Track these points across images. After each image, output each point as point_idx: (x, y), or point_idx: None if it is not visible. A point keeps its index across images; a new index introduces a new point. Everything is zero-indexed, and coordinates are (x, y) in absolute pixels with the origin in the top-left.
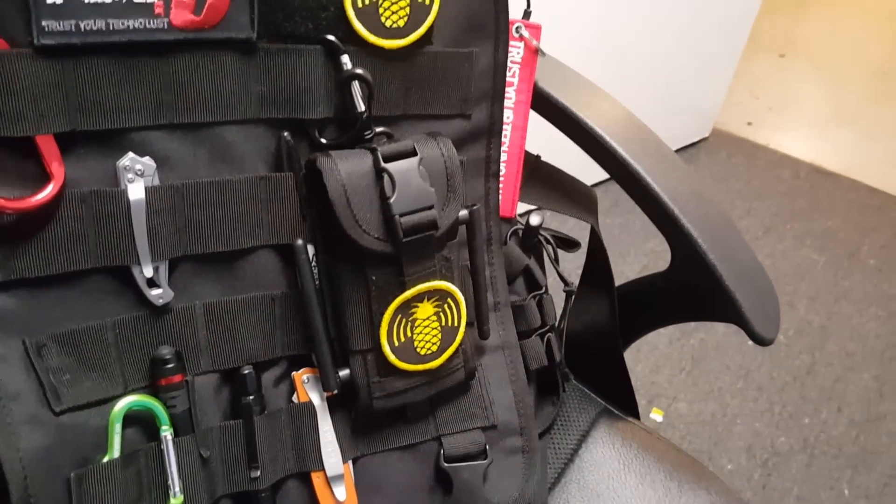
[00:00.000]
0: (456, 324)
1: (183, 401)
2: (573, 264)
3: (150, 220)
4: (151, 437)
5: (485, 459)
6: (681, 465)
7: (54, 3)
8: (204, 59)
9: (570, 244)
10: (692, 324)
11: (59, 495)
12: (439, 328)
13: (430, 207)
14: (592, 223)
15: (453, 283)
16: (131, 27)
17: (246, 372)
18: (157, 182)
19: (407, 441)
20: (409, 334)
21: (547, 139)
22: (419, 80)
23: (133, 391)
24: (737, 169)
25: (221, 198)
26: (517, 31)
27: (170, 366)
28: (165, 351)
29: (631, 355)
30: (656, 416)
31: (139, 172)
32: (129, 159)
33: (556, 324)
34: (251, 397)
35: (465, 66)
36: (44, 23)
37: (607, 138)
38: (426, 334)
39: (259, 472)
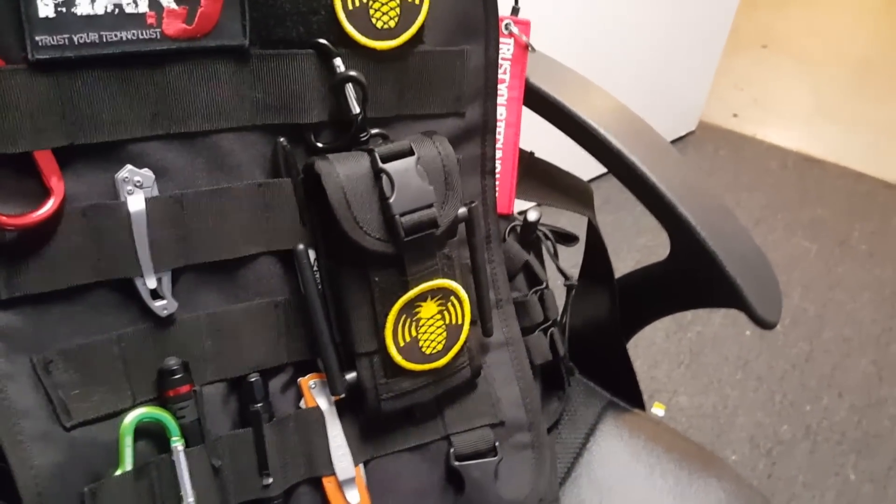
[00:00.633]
0: (460, 321)
1: (192, 411)
2: (568, 262)
3: (152, 231)
4: (162, 449)
5: (495, 456)
6: (689, 453)
7: (47, 17)
8: (198, 67)
9: (568, 239)
10: (689, 317)
11: None
12: (444, 327)
13: (430, 206)
14: (590, 216)
15: (455, 280)
16: (124, 39)
17: (253, 380)
18: (156, 193)
19: (416, 441)
20: (414, 334)
21: (538, 137)
22: (412, 81)
23: (142, 403)
24: (724, 161)
25: (221, 206)
26: (506, 28)
27: (177, 376)
28: (172, 362)
29: (629, 351)
30: (658, 410)
31: (138, 184)
32: (127, 171)
33: (559, 318)
34: (259, 405)
35: (457, 65)
36: (37, 38)
37: (602, 131)
38: (431, 333)
39: (271, 480)
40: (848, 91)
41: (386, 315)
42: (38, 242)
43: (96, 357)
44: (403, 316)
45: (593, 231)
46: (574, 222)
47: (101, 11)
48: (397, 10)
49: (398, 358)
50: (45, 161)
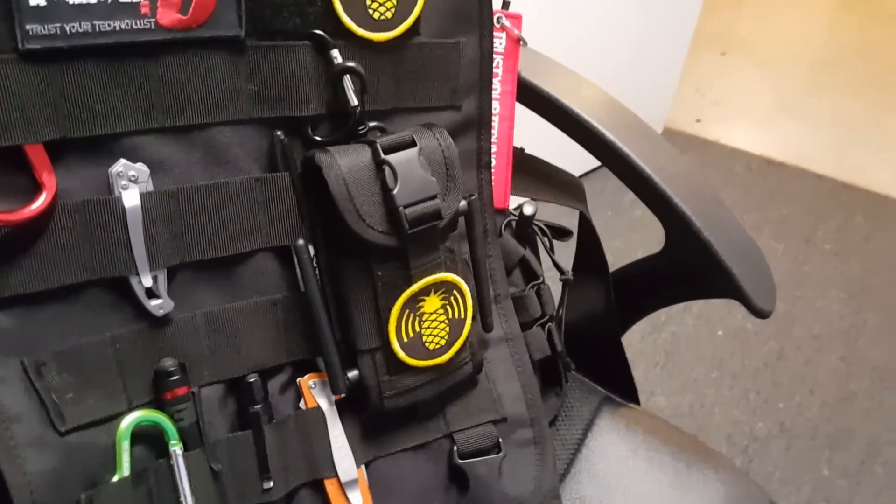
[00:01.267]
0: (462, 316)
1: (190, 413)
2: (559, 257)
3: (147, 227)
4: (160, 453)
5: (498, 453)
6: (686, 446)
7: (38, 5)
8: (193, 58)
9: (562, 233)
10: (662, 318)
11: None
12: (447, 321)
13: (434, 197)
14: (583, 209)
15: (458, 274)
16: (118, 28)
17: (252, 380)
18: (151, 188)
19: (419, 440)
20: (417, 329)
21: (528, 133)
22: (409, 72)
23: (138, 406)
24: None
25: (218, 201)
26: (498, 21)
27: (174, 378)
28: (169, 363)
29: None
30: None
31: (133, 179)
32: (121, 165)
33: (555, 313)
34: (259, 406)
35: (453, 57)
36: (28, 27)
37: (595, 124)
38: (434, 328)
39: (272, 483)
40: (805, 91)
41: (389, 310)
42: (29, 240)
43: (90, 359)
44: (407, 311)
45: (586, 225)
46: (565, 218)
47: (93, 0)
48: (394, 0)
49: (401, 354)
50: (37, 155)
